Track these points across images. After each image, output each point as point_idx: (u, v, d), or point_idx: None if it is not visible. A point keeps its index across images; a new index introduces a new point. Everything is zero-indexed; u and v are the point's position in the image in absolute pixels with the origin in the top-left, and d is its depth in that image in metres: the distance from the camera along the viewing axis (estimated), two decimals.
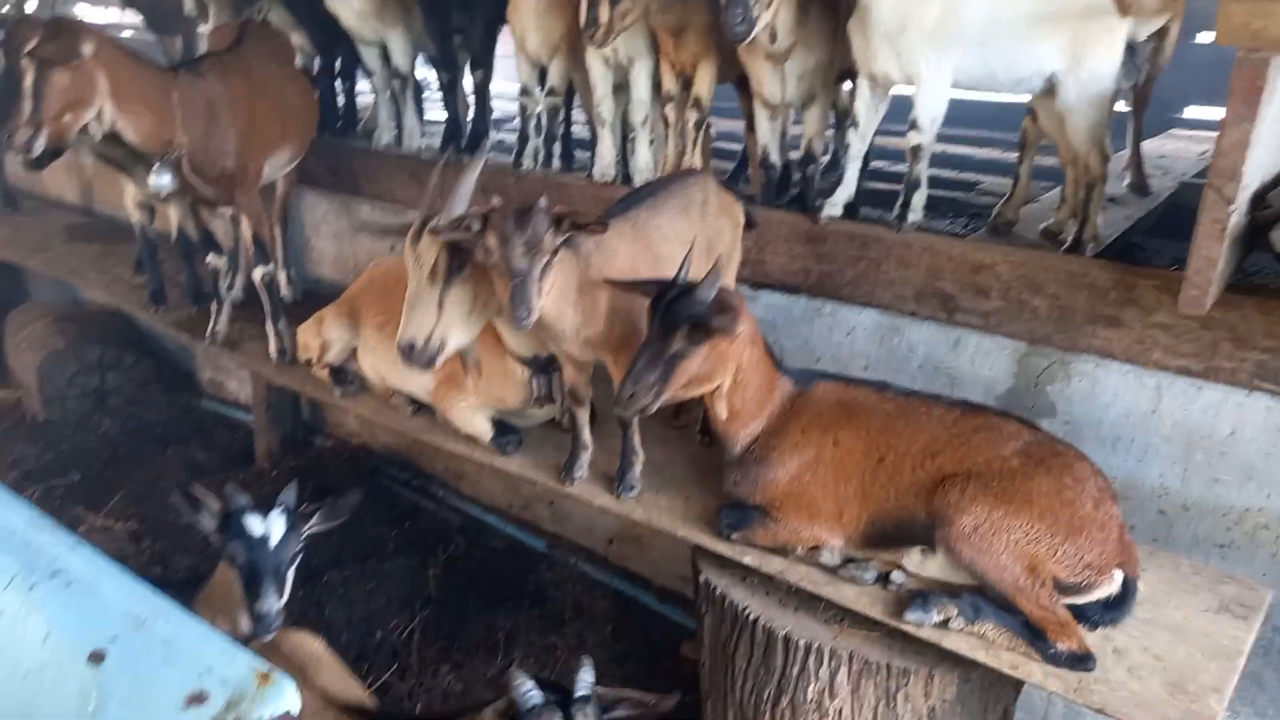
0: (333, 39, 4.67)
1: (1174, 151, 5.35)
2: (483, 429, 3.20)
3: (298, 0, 4.67)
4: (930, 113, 3.10)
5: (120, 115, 3.30)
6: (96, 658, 1.59)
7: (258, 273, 3.87)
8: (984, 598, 2.33)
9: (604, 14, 3.21)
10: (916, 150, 3.16)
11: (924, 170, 3.20)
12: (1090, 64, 3.03)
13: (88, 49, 3.15)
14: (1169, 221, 4.01)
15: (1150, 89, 4.20)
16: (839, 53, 3.39)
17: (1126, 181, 4.30)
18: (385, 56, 4.54)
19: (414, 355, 2.53)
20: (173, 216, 4.35)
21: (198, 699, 1.51)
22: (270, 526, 2.46)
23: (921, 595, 2.39)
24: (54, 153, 3.57)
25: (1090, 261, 2.94)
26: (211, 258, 3.98)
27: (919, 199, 3.23)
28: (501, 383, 3.15)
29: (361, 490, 2.80)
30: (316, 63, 4.99)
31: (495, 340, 3.08)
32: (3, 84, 3.09)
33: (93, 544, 1.86)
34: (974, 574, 2.33)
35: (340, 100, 5.10)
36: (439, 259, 2.50)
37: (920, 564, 2.50)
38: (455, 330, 2.59)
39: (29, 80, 3.06)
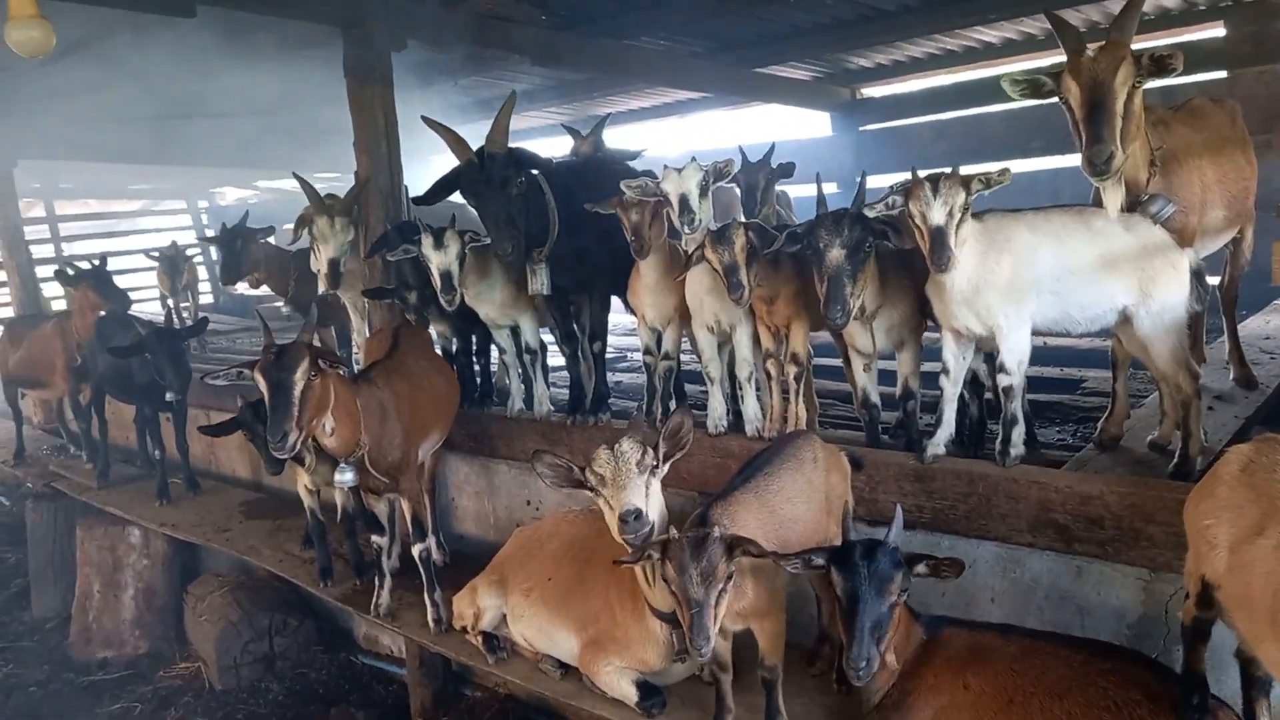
0: (469, 324, 5.32)
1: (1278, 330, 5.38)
2: (629, 692, 3.39)
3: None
4: (1016, 357, 3.33)
5: (335, 422, 3.80)
6: None
7: (416, 548, 4.28)
8: None
9: (745, 278, 3.65)
10: (1009, 390, 3.37)
11: (1019, 408, 3.40)
12: (1160, 296, 3.24)
13: (328, 364, 3.66)
14: None
15: (1236, 287, 4.33)
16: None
17: (1232, 376, 4.35)
18: (515, 336, 5.12)
19: (637, 522, 2.77)
20: (339, 498, 4.91)
21: None
22: None
23: None
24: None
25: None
26: (375, 538, 4.43)
27: (1018, 434, 3.40)
28: (643, 644, 3.36)
29: None
30: (454, 344, 5.63)
31: (634, 604, 3.33)
32: (272, 397, 3.51)
33: None
34: None
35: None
36: (645, 452, 2.86)
37: None
38: (656, 514, 2.88)
39: (298, 390, 3.51)
